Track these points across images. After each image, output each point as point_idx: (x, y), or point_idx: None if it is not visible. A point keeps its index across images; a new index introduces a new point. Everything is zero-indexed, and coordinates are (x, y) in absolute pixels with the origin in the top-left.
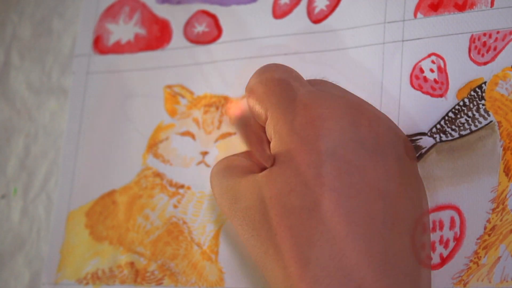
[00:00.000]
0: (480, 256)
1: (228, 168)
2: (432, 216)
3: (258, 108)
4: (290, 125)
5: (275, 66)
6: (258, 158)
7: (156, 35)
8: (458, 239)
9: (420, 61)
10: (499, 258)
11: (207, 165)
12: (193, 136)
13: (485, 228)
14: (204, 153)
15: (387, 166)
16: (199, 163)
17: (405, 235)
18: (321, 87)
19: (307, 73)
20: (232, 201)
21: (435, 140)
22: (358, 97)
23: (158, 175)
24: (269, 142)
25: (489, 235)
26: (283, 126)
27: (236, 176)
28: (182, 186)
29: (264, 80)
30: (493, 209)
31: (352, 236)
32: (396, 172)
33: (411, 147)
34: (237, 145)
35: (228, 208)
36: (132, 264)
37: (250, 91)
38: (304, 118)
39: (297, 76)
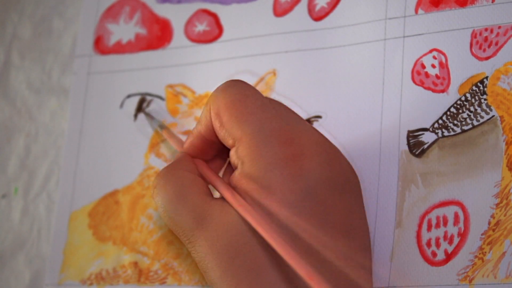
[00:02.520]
0: (485, 252)
1: (182, 185)
2: (436, 212)
3: (224, 133)
4: (270, 160)
5: (239, 85)
6: (214, 184)
7: (157, 35)
8: (463, 235)
9: (421, 57)
10: (504, 253)
11: None
12: None
13: (489, 223)
14: None
15: (351, 202)
16: None
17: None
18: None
19: (309, 70)
20: (193, 226)
21: (437, 136)
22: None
23: None
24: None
25: (493, 230)
26: (260, 160)
27: (198, 194)
28: None
29: (232, 103)
30: (497, 204)
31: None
32: (357, 207)
33: (357, 181)
34: None
35: (189, 226)
36: (135, 263)
37: (217, 113)
38: (284, 154)
39: (259, 96)
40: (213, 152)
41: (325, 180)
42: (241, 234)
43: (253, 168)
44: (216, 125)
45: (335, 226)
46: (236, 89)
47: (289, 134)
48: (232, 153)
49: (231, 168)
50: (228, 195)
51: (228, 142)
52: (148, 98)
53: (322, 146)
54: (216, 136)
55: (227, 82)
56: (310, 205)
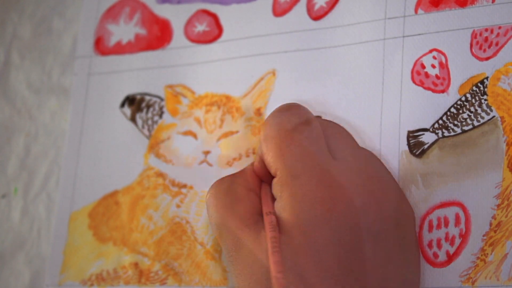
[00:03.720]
0: (487, 253)
1: (231, 202)
2: (437, 213)
3: (269, 160)
4: (300, 200)
5: (294, 111)
6: (264, 211)
7: (157, 35)
8: (464, 236)
9: (421, 57)
10: (506, 255)
11: (209, 164)
12: (195, 136)
13: (490, 224)
14: (206, 152)
15: (387, 250)
16: (201, 162)
17: None
18: (333, 139)
19: (308, 70)
20: (232, 248)
21: (438, 136)
22: (375, 161)
23: (160, 175)
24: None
25: (495, 231)
26: (292, 198)
27: (239, 219)
28: (184, 186)
29: (280, 131)
30: (498, 205)
31: None
32: (395, 255)
33: (413, 221)
34: (239, 144)
35: (227, 249)
36: (136, 264)
37: (265, 138)
38: (315, 195)
39: (305, 127)
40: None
41: (355, 227)
42: (263, 273)
43: (283, 206)
44: (262, 154)
45: (365, 277)
46: (278, 119)
47: (324, 174)
48: (273, 182)
49: None
50: (267, 230)
51: (271, 169)
52: (147, 98)
53: (357, 191)
54: None
55: (275, 109)
56: (334, 253)
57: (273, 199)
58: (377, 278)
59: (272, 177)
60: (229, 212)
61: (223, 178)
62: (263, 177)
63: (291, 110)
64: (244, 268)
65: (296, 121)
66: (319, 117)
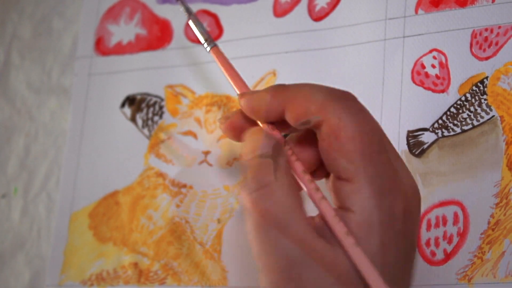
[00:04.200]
0: (484, 251)
1: (284, 214)
2: (435, 212)
3: (343, 161)
4: (387, 215)
5: (364, 114)
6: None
7: (157, 35)
8: (462, 235)
9: (421, 57)
10: (503, 253)
11: (209, 164)
12: (195, 136)
13: (488, 223)
14: (206, 153)
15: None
16: (201, 162)
17: None
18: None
19: (309, 71)
20: (284, 271)
21: (437, 136)
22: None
23: (160, 175)
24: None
25: (493, 229)
26: (377, 210)
27: (299, 236)
28: (184, 186)
29: (359, 132)
30: (497, 204)
31: None
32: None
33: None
34: (239, 144)
35: (278, 271)
36: (135, 264)
37: (337, 127)
38: (396, 208)
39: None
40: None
41: (412, 241)
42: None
43: (366, 220)
44: (328, 140)
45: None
46: (370, 116)
47: (397, 185)
48: (338, 186)
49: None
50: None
51: (335, 171)
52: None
53: (417, 204)
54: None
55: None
56: (405, 269)
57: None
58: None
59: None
60: (286, 228)
61: (255, 194)
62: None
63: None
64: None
65: (374, 125)
66: None
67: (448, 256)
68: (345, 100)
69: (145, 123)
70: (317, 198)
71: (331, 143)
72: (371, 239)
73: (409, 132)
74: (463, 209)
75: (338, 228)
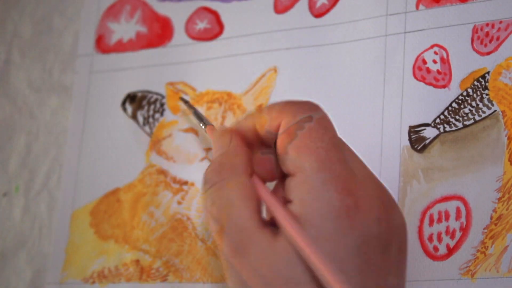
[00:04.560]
0: (487, 246)
1: (240, 199)
2: (438, 207)
3: (291, 156)
4: (326, 206)
5: (316, 113)
6: (271, 209)
7: (158, 33)
8: (465, 229)
9: (422, 52)
10: (506, 247)
11: (211, 161)
12: (196, 133)
13: (491, 217)
14: (208, 149)
15: (391, 262)
16: (203, 159)
17: None
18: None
19: (310, 67)
20: (237, 248)
21: (439, 131)
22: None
23: (162, 172)
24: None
25: (495, 224)
26: (312, 205)
27: (250, 219)
28: (185, 183)
29: (308, 129)
30: (499, 199)
31: None
32: (400, 268)
33: (405, 238)
34: None
35: (231, 246)
36: (137, 261)
37: (289, 133)
38: (339, 204)
39: (329, 133)
40: (260, 148)
41: (373, 238)
42: (287, 266)
43: (303, 211)
44: (280, 142)
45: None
46: (326, 119)
47: (348, 183)
48: (287, 182)
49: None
50: (287, 224)
51: (285, 167)
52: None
53: (378, 201)
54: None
55: (304, 102)
56: (354, 263)
57: (275, 192)
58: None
59: (252, 147)
60: (240, 211)
61: (221, 165)
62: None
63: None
64: (253, 270)
65: (325, 124)
66: None
67: (451, 251)
68: (302, 104)
69: (146, 121)
70: (262, 191)
71: (283, 140)
72: (307, 230)
73: (410, 127)
74: (465, 204)
75: (278, 211)
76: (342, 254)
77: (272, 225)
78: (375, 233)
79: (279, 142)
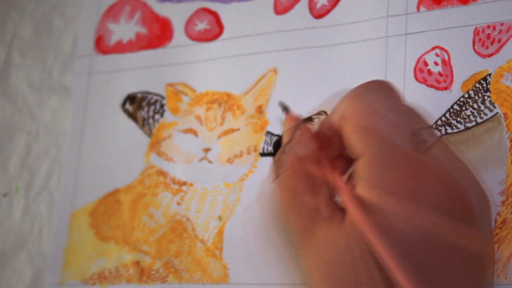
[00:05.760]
0: None
1: (296, 195)
2: None
3: (354, 140)
4: (390, 184)
5: (376, 89)
6: (323, 209)
7: (157, 34)
8: None
9: (424, 54)
10: None
11: (209, 161)
12: (195, 133)
13: (495, 221)
14: (207, 150)
15: (465, 248)
16: (201, 159)
17: None
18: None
19: (310, 68)
20: (303, 236)
21: (441, 133)
22: (461, 164)
23: (161, 173)
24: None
25: (500, 228)
26: (377, 185)
27: (315, 207)
28: (184, 183)
29: (359, 111)
30: (503, 202)
31: None
32: (472, 263)
33: (487, 216)
34: (240, 141)
35: (298, 235)
36: (137, 263)
37: (343, 116)
38: (404, 185)
39: (396, 107)
40: (341, 147)
41: (440, 219)
42: (348, 251)
43: (367, 193)
44: (343, 130)
45: (446, 278)
46: (370, 95)
47: (414, 163)
48: (354, 166)
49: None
50: (351, 207)
51: (352, 151)
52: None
53: (446, 184)
54: None
55: (367, 83)
56: (421, 248)
57: (340, 173)
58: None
59: (332, 146)
60: (306, 199)
61: (285, 154)
62: (322, 144)
63: (385, 89)
64: (323, 254)
65: (389, 103)
66: None
67: None
68: (367, 84)
69: (146, 122)
70: (329, 176)
71: (347, 123)
72: (372, 213)
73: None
74: None
75: (343, 194)
76: (410, 237)
77: (343, 210)
78: (444, 218)
79: (343, 131)
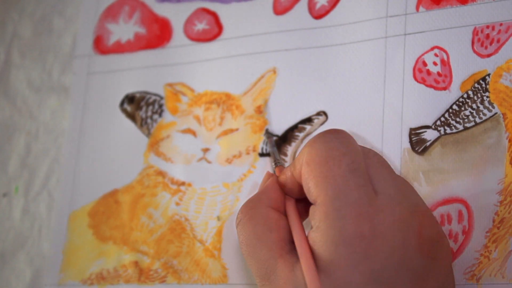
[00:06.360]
0: (491, 250)
1: (263, 230)
2: (440, 210)
3: (310, 186)
4: (339, 233)
5: (331, 140)
6: (294, 234)
7: (156, 34)
8: (467, 233)
9: (423, 54)
10: (510, 252)
11: (208, 162)
12: (194, 133)
13: (493, 221)
14: (205, 150)
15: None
16: (200, 159)
17: None
18: (375, 173)
19: (309, 69)
20: (263, 276)
21: (440, 133)
22: (411, 189)
23: (160, 173)
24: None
25: (498, 228)
26: (328, 232)
27: (271, 249)
28: (183, 183)
29: (315, 160)
30: (501, 202)
31: None
32: None
33: (449, 251)
34: (239, 141)
35: (259, 275)
36: (136, 263)
37: (309, 161)
38: (354, 231)
39: (348, 158)
40: (303, 194)
41: (395, 265)
42: None
43: (319, 238)
44: (302, 176)
45: None
46: (325, 145)
47: (365, 209)
48: (311, 208)
49: None
50: (301, 251)
51: (309, 196)
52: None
53: (398, 227)
54: None
55: (323, 132)
56: None
57: (300, 216)
58: None
59: (297, 192)
60: (262, 242)
61: (250, 201)
62: (288, 192)
63: (339, 137)
64: None
65: (343, 150)
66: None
67: (454, 255)
68: (323, 133)
69: (145, 122)
70: (290, 220)
71: (304, 170)
72: (320, 257)
73: (411, 129)
74: (467, 206)
75: (296, 239)
76: (358, 281)
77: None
78: (397, 260)
79: (303, 173)
